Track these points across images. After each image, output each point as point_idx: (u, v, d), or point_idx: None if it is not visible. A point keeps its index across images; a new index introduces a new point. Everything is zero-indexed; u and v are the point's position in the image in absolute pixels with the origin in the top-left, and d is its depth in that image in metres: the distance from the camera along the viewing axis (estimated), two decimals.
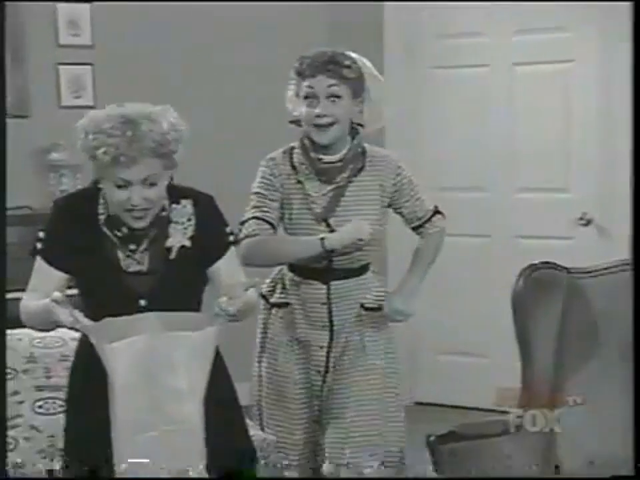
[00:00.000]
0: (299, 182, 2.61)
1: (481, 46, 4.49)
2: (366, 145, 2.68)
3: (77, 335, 2.60)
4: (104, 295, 2.17)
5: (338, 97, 2.55)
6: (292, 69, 2.62)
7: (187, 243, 2.21)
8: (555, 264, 2.76)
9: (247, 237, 2.56)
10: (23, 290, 3.83)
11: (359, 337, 2.64)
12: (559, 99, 4.36)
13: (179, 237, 2.20)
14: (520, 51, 4.40)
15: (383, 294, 2.70)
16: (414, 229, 2.75)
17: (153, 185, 2.11)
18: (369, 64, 2.67)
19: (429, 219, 2.73)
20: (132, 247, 2.18)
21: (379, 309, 2.67)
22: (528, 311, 2.68)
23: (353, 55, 2.64)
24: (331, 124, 2.55)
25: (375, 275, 2.72)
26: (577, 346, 2.69)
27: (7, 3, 4.04)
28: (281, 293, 2.67)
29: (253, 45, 4.53)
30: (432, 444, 2.58)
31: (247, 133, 4.50)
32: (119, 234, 2.18)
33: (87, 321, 2.02)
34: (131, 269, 2.18)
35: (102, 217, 2.19)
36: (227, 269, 2.26)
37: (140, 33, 4.37)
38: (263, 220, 2.58)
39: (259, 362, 2.71)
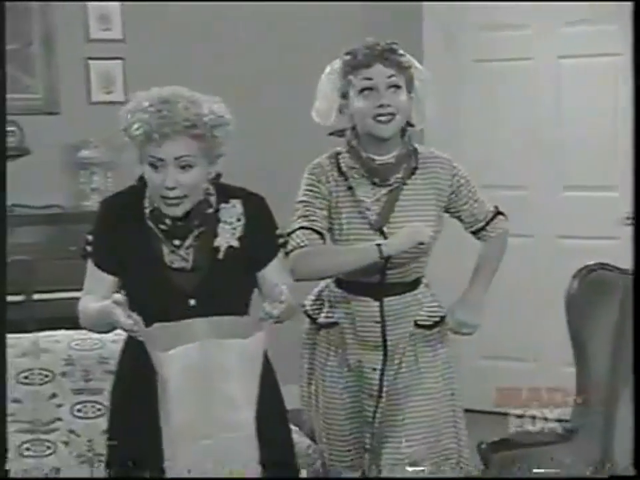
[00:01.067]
0: (349, 188, 2.51)
1: (525, 38, 4.47)
2: (416, 144, 2.59)
3: (116, 337, 2.62)
4: (150, 292, 2.18)
5: (398, 86, 2.47)
6: (338, 66, 2.52)
7: (235, 244, 2.22)
8: (610, 265, 2.75)
9: (295, 249, 2.44)
10: (54, 291, 3.94)
11: (413, 357, 2.53)
12: (607, 93, 4.33)
13: (227, 237, 2.21)
14: (566, 43, 4.38)
15: (437, 309, 2.59)
16: (474, 233, 2.64)
17: (187, 167, 2.13)
18: (413, 60, 2.58)
19: (490, 221, 2.62)
20: (176, 242, 2.20)
21: (434, 325, 2.56)
22: (583, 313, 2.67)
23: None
24: (393, 115, 2.46)
25: (427, 289, 2.61)
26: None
27: None
28: (328, 312, 2.57)
29: (289, 43, 4.53)
30: (484, 452, 2.57)
31: (280, 134, 4.49)
32: (162, 227, 2.19)
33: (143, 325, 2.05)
34: (175, 265, 2.20)
35: (147, 211, 2.22)
36: (274, 273, 2.27)
37: (172, 27, 4.39)
38: (312, 229, 2.48)
39: (308, 385, 2.63)
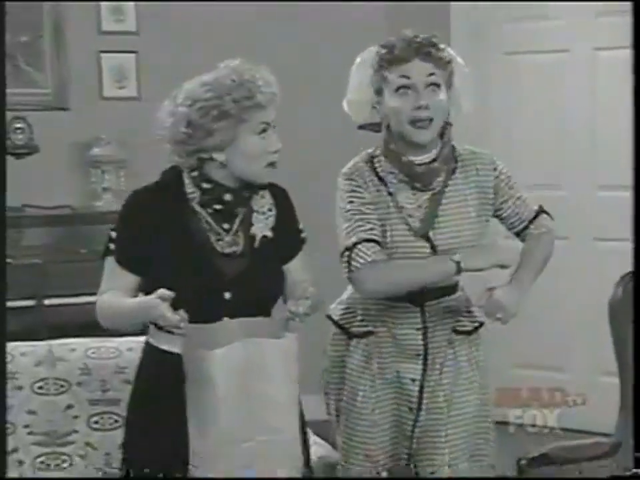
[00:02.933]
0: (389, 194, 2.45)
1: (559, 29, 4.45)
2: (453, 142, 2.53)
3: (133, 345, 2.63)
4: (185, 286, 2.15)
5: (438, 85, 2.41)
6: (370, 57, 2.47)
7: (269, 234, 2.27)
8: None
9: (361, 265, 2.38)
10: (64, 296, 3.94)
11: (454, 367, 2.52)
12: None
13: (260, 227, 2.27)
14: (602, 34, 4.37)
15: (476, 314, 2.56)
16: (517, 234, 2.58)
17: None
18: (452, 53, 2.51)
19: (533, 220, 2.56)
20: (225, 225, 2.23)
21: (474, 330, 2.55)
22: (627, 321, 2.65)
23: None
24: (431, 120, 2.39)
25: (463, 292, 2.58)
26: None
27: None
28: (362, 320, 2.54)
29: (310, 39, 4.54)
30: (523, 468, 2.56)
31: (298, 139, 4.48)
32: (217, 207, 2.21)
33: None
34: (227, 250, 2.23)
35: (194, 195, 2.22)
36: (298, 269, 2.33)
37: (187, 18, 4.39)
38: (373, 241, 2.40)
39: (337, 401, 2.58)
